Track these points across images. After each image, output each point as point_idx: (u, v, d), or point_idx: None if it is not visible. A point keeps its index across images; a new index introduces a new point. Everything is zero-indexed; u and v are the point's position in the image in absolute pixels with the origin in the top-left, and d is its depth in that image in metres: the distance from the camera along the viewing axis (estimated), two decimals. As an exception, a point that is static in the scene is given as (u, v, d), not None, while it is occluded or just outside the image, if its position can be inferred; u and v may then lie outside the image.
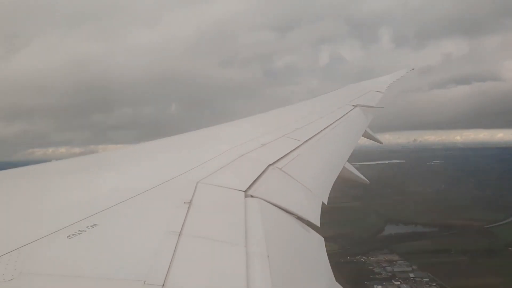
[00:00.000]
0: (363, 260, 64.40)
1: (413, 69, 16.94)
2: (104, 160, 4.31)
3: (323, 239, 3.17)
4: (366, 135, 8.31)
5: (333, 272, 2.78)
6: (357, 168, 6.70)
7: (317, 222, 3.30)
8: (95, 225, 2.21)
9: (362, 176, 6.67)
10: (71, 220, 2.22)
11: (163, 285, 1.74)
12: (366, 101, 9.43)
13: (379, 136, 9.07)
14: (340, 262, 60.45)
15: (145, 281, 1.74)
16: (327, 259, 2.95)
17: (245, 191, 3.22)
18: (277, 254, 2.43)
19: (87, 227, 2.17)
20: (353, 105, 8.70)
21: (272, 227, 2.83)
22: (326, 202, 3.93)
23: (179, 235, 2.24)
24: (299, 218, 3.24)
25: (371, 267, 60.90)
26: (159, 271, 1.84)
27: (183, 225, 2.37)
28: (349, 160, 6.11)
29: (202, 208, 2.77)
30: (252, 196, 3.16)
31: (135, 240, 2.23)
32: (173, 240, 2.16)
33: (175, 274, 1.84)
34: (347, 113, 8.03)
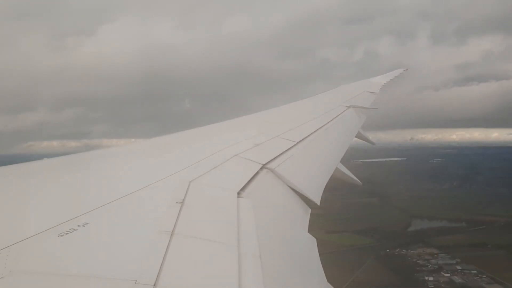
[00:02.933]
0: (403, 252, 63.92)
1: (407, 69, 17.03)
2: (96, 158, 4.29)
3: (315, 239, 3.18)
4: (359, 136, 8.35)
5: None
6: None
7: (305, 226, 3.31)
8: (86, 224, 2.20)
9: (354, 177, 6.70)
10: (63, 218, 2.21)
11: (154, 284, 1.73)
12: (359, 102, 9.48)
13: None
14: (380, 255, 60.59)
15: (136, 280, 1.74)
16: (319, 259, 2.96)
17: (238, 192, 3.22)
18: (269, 254, 2.43)
19: (78, 226, 2.16)
20: (346, 106, 8.74)
21: (265, 228, 2.83)
22: (318, 203, 3.94)
23: (171, 234, 2.23)
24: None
25: (414, 260, 60.37)
26: (150, 270, 1.84)
27: (175, 224, 2.36)
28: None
29: (195, 208, 2.76)
30: (245, 197, 3.17)
31: (126, 239, 2.22)
32: (165, 240, 2.15)
33: (167, 274, 1.84)
34: (341, 114, 8.07)
